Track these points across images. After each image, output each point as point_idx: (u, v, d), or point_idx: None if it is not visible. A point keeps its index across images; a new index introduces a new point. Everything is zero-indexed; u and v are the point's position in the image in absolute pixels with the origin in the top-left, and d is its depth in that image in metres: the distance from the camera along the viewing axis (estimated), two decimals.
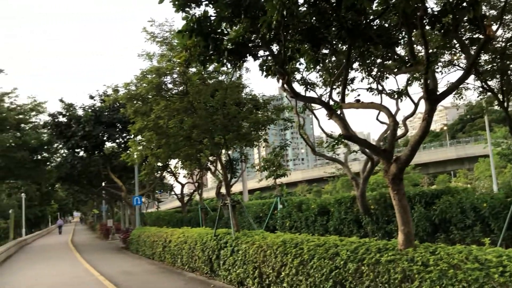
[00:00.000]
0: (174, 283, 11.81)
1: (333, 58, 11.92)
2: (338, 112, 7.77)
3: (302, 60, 9.10)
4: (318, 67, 12.70)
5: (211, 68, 11.49)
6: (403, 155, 6.40)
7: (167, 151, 13.75)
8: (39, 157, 35.30)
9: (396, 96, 13.38)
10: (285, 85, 7.29)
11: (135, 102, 12.86)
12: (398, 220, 6.42)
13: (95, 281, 12.96)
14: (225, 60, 8.02)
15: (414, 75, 12.45)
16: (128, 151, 16.09)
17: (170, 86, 12.88)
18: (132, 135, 17.51)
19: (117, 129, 26.87)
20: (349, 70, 10.56)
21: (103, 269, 15.43)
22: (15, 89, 37.56)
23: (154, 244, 17.60)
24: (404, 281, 5.83)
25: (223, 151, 13.28)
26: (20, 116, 33.93)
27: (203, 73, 11.31)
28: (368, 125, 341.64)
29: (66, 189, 55.22)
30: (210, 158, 19.34)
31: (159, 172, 29.38)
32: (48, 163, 36.23)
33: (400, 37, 8.54)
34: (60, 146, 31.61)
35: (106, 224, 38.88)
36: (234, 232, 11.34)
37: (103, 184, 36.05)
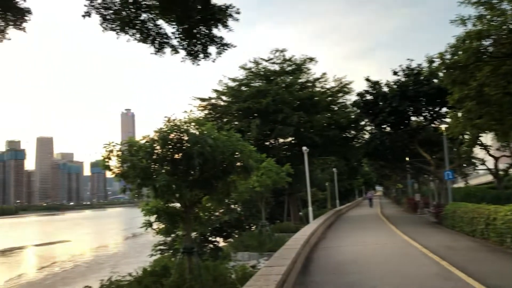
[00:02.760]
0: (507, 263, 10.83)
1: None
2: None
3: None
4: None
5: None
6: None
7: (490, 121, 12.63)
8: (348, 134, 38.61)
9: None
10: None
11: (451, 71, 12.26)
12: None
13: (420, 253, 13.14)
14: None
15: None
16: (439, 123, 15.48)
17: (490, 49, 11.72)
18: (448, 107, 16.87)
19: (423, 103, 26.43)
20: None
21: (422, 241, 15.51)
22: (324, 74, 41.85)
23: (473, 221, 16.60)
24: None
25: None
26: (330, 98, 37.71)
27: None
28: None
29: (371, 164, 58.48)
30: None
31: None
32: (355, 140, 39.24)
33: None
34: (368, 123, 33.49)
35: (413, 199, 39.21)
36: None
37: (407, 158, 36.33)
